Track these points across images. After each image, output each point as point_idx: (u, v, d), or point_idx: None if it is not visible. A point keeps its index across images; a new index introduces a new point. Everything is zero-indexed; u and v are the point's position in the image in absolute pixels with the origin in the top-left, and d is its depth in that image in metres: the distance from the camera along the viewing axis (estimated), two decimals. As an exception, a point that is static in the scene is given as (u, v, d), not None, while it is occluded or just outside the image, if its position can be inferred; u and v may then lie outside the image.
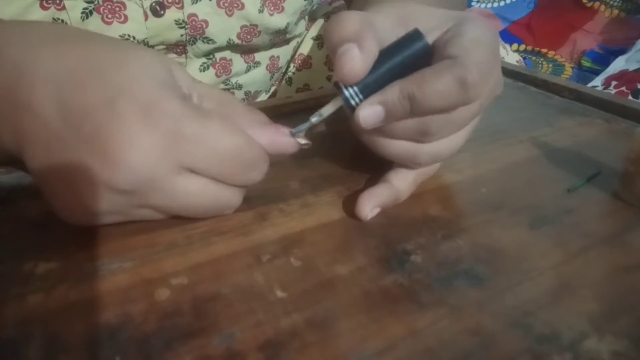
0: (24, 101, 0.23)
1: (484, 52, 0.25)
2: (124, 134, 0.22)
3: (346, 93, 0.26)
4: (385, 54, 0.25)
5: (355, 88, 0.25)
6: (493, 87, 0.27)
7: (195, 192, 0.24)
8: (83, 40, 0.25)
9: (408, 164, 0.29)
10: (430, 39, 0.26)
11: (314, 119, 0.27)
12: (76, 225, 0.25)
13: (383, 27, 0.26)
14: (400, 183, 0.29)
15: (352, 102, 0.26)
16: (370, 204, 0.28)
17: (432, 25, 0.27)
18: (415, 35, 0.25)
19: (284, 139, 0.27)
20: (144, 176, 0.23)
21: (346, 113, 0.27)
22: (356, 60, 0.24)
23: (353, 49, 0.24)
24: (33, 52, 0.24)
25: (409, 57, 0.25)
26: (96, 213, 0.24)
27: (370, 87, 0.25)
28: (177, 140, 0.23)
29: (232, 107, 0.27)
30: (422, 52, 0.25)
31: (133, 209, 0.25)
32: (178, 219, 0.27)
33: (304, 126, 0.27)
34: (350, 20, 0.25)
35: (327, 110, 0.27)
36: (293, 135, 0.27)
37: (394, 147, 0.28)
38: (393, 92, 0.25)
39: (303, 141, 0.27)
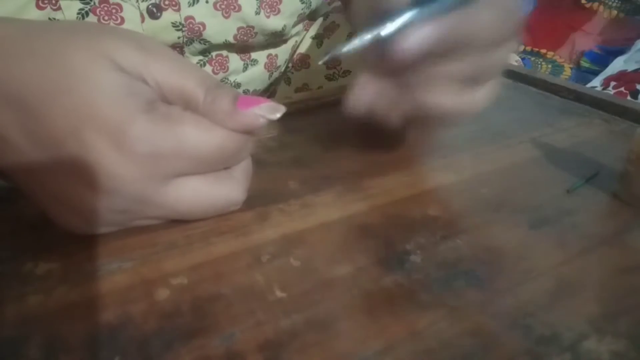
0: None
1: None
2: (102, 165, 0.21)
3: (391, 24, 0.24)
4: None
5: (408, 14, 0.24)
6: (517, 24, 0.28)
7: (189, 195, 0.25)
8: (13, 49, 0.22)
9: (462, 117, 0.30)
10: None
11: (349, 46, 0.25)
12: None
13: None
14: None
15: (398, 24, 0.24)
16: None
17: None
18: None
19: (256, 122, 0.24)
20: (134, 197, 0.23)
21: (373, 54, 0.26)
22: None
23: None
24: None
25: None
26: (94, 228, 0.24)
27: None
28: (156, 159, 0.22)
29: (197, 99, 0.24)
30: None
31: (130, 222, 0.25)
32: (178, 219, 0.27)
33: (344, 46, 0.25)
34: None
35: (363, 38, 0.25)
36: (330, 57, 0.25)
37: (452, 102, 0.28)
38: (447, 21, 0.25)
39: (278, 114, 0.25)
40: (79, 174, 0.22)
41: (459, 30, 0.25)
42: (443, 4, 0.25)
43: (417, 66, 0.26)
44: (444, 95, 0.28)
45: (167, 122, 0.22)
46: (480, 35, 0.25)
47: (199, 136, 0.23)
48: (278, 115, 0.25)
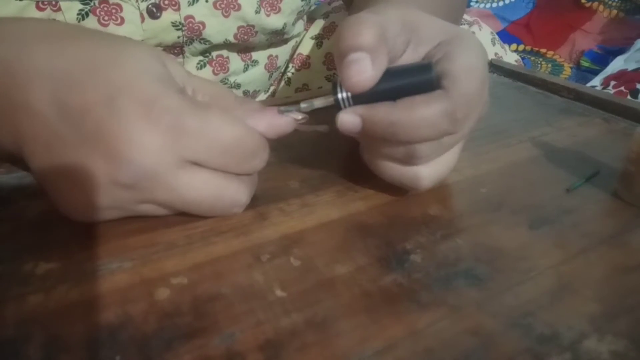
0: (20, 101, 0.23)
1: (475, 83, 0.26)
2: (126, 130, 0.22)
3: (339, 95, 0.26)
4: (391, 73, 0.25)
5: (349, 93, 0.26)
6: (480, 112, 0.28)
7: (199, 185, 0.24)
8: (75, 36, 0.25)
9: (407, 188, 0.29)
10: (421, 50, 0.27)
11: (303, 105, 0.27)
12: (78, 221, 0.25)
13: (392, 32, 0.26)
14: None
15: (342, 106, 0.26)
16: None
17: (428, 36, 0.27)
18: (425, 68, 0.25)
19: (281, 120, 0.27)
20: (147, 171, 0.23)
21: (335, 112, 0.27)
22: (367, 73, 0.24)
23: (366, 61, 0.24)
24: (25, 51, 0.23)
25: (412, 85, 0.25)
26: (98, 208, 0.24)
27: (363, 98, 0.25)
28: (178, 134, 0.23)
29: (226, 99, 0.27)
30: (426, 85, 0.25)
31: (136, 205, 0.25)
32: (178, 218, 0.27)
33: (291, 109, 0.27)
34: (367, 27, 0.25)
35: (318, 103, 0.27)
36: (282, 113, 0.27)
37: (393, 173, 0.28)
38: (378, 112, 0.25)
39: (299, 116, 0.27)
40: (97, 141, 0.22)
41: (391, 123, 0.25)
42: (400, 88, 0.25)
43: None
44: (385, 165, 0.28)
45: (195, 105, 0.24)
46: (419, 132, 0.25)
47: (222, 123, 0.24)
48: (299, 117, 0.27)
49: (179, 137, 0.23)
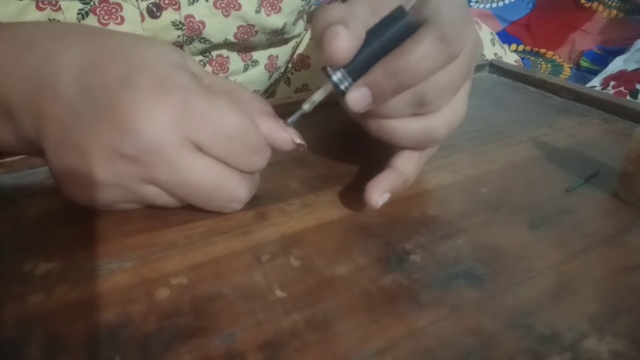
0: (48, 85, 0.24)
1: (454, 8, 0.26)
2: (135, 101, 0.23)
3: (334, 77, 0.26)
4: (371, 36, 0.25)
5: (344, 71, 0.25)
6: (474, 45, 0.27)
7: (200, 169, 0.24)
8: (105, 33, 0.28)
9: (424, 143, 0.29)
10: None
11: (305, 107, 0.27)
12: (81, 202, 0.25)
13: (363, 17, 0.26)
14: (405, 165, 0.29)
15: (342, 87, 0.26)
16: (378, 191, 0.27)
17: (400, 2, 0.27)
18: (398, 13, 0.25)
19: (281, 134, 0.27)
20: (151, 142, 0.23)
21: (339, 99, 0.27)
22: (343, 39, 0.24)
23: (339, 28, 0.24)
24: (61, 44, 0.25)
25: (394, 35, 0.25)
26: (99, 183, 0.24)
27: (358, 69, 0.25)
28: (185, 112, 0.23)
29: (239, 94, 0.27)
30: (407, 29, 0.25)
31: (137, 184, 0.24)
32: (178, 218, 0.27)
33: (297, 115, 0.27)
34: (335, 8, 0.25)
35: (318, 96, 0.27)
36: (289, 125, 0.27)
37: (407, 129, 0.28)
38: (377, 71, 0.25)
39: (299, 140, 0.27)
40: (107, 113, 0.23)
41: (393, 73, 0.25)
42: (386, 44, 0.25)
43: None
44: (398, 126, 0.28)
45: (206, 89, 0.25)
46: (419, 69, 0.25)
47: (229, 111, 0.24)
48: (299, 141, 0.27)
49: (186, 115, 0.23)
